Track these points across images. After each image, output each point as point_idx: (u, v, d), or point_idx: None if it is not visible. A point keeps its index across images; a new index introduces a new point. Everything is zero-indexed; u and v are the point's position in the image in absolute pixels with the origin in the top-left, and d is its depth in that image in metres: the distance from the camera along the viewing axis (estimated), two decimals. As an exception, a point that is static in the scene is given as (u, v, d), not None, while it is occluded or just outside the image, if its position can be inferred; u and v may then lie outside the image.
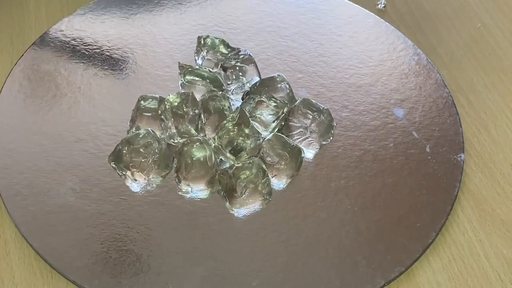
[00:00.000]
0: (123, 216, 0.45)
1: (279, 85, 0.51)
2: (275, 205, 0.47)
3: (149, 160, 0.46)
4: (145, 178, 0.47)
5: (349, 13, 0.61)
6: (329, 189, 0.48)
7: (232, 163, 0.47)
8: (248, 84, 0.52)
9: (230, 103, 0.51)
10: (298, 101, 0.50)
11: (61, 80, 0.54)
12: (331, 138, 0.51)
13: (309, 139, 0.50)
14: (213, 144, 0.47)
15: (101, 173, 0.47)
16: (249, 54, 0.53)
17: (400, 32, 0.59)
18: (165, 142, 0.48)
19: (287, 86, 0.52)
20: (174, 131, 0.48)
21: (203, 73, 0.51)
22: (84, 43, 0.56)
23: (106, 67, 0.55)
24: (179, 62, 0.52)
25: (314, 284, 0.43)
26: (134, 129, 0.49)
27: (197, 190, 0.47)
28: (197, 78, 0.51)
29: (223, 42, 0.54)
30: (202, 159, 0.46)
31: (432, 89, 0.55)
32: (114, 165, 0.47)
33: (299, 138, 0.50)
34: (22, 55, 0.55)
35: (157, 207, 0.46)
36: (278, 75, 0.52)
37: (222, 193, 0.46)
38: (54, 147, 0.49)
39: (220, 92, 0.50)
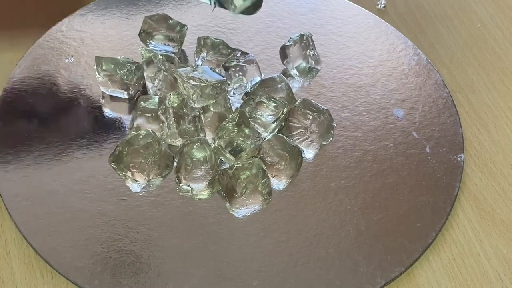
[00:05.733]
0: (124, 216, 0.45)
1: (279, 86, 0.51)
2: (275, 205, 0.47)
3: (149, 160, 0.46)
4: (145, 179, 0.47)
5: (349, 13, 0.61)
6: (329, 189, 0.48)
7: (232, 163, 0.47)
8: (249, 84, 0.52)
9: (230, 103, 0.51)
10: (298, 101, 0.50)
11: (61, 80, 0.54)
12: (331, 138, 0.51)
13: (309, 139, 0.50)
14: (213, 145, 0.47)
15: (102, 173, 0.48)
16: (251, 55, 0.53)
17: (400, 32, 0.59)
18: (165, 142, 0.48)
19: (287, 86, 0.52)
20: (174, 131, 0.48)
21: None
22: (84, 44, 0.57)
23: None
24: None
25: (314, 284, 0.43)
26: (134, 129, 0.49)
27: (197, 191, 0.47)
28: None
29: (223, 42, 0.54)
30: (202, 159, 0.46)
31: (432, 89, 0.55)
32: (114, 166, 0.47)
33: (299, 138, 0.50)
34: (23, 56, 0.55)
35: (157, 208, 0.46)
36: (278, 76, 0.52)
37: (222, 194, 0.46)
38: (54, 148, 0.49)
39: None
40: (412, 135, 0.52)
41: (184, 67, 0.50)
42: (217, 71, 0.49)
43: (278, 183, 0.48)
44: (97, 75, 0.52)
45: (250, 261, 0.44)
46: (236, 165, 0.46)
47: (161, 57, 0.51)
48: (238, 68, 0.52)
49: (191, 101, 0.47)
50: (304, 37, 0.54)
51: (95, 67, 0.52)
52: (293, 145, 0.48)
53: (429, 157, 0.50)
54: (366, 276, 0.43)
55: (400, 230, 0.46)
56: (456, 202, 0.48)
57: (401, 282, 0.45)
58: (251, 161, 0.46)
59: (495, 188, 0.50)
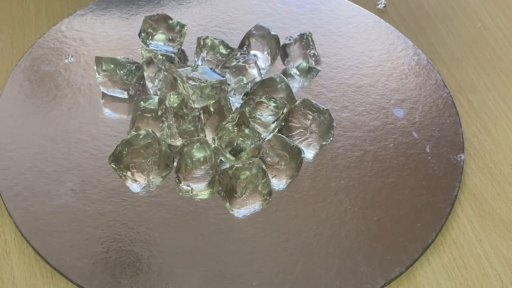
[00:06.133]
0: (123, 216, 0.45)
1: (279, 86, 0.51)
2: (275, 205, 0.47)
3: (149, 160, 0.46)
4: (145, 179, 0.47)
5: (349, 13, 0.61)
6: (329, 190, 0.48)
7: (232, 163, 0.47)
8: (249, 84, 0.52)
9: (230, 103, 0.51)
10: (298, 101, 0.50)
11: (61, 81, 0.54)
12: (331, 138, 0.51)
13: (309, 139, 0.50)
14: (213, 145, 0.47)
15: (101, 173, 0.48)
16: (251, 55, 0.53)
17: (400, 32, 0.60)
18: (165, 142, 0.48)
19: (287, 86, 0.52)
20: (174, 131, 0.48)
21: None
22: (84, 44, 0.57)
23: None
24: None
25: (314, 284, 0.43)
26: (134, 130, 0.49)
27: (197, 191, 0.47)
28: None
29: (222, 42, 0.54)
30: (202, 159, 0.46)
31: (432, 89, 0.55)
32: (114, 166, 0.47)
33: (299, 138, 0.50)
34: (23, 56, 0.55)
35: (157, 208, 0.46)
36: (278, 76, 0.52)
37: (222, 194, 0.46)
38: (55, 148, 0.49)
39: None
40: (412, 135, 0.52)
41: (184, 67, 0.50)
42: (217, 71, 0.49)
43: (278, 183, 0.48)
44: (97, 75, 0.52)
45: (250, 261, 0.44)
46: (236, 165, 0.46)
47: (161, 57, 0.51)
48: (238, 68, 0.52)
49: (191, 101, 0.47)
50: (304, 36, 0.54)
51: (95, 67, 0.52)
52: (293, 145, 0.48)
53: (429, 157, 0.50)
54: (366, 276, 0.43)
55: (400, 230, 0.46)
56: (456, 202, 0.48)
57: (401, 282, 0.45)
58: (251, 161, 0.46)
59: (495, 188, 0.50)
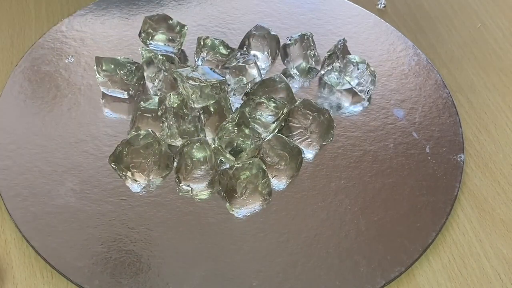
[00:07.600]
0: (124, 216, 0.45)
1: (279, 86, 0.51)
2: (275, 205, 0.47)
3: (149, 161, 0.46)
4: (145, 179, 0.47)
5: (349, 13, 0.61)
6: (329, 190, 0.48)
7: (232, 163, 0.47)
8: (249, 84, 0.52)
9: (230, 103, 0.51)
10: (298, 101, 0.50)
11: (61, 81, 0.54)
12: (331, 138, 0.51)
13: (309, 139, 0.50)
14: (213, 145, 0.47)
15: (101, 173, 0.48)
16: (250, 55, 0.53)
17: (400, 32, 0.59)
18: (165, 142, 0.48)
19: (287, 86, 0.52)
20: (174, 131, 0.48)
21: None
22: (84, 44, 0.57)
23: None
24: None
25: (314, 284, 0.43)
26: (134, 130, 0.49)
27: (197, 191, 0.47)
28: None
29: (222, 43, 0.54)
30: (202, 159, 0.46)
31: (432, 90, 0.55)
32: (114, 166, 0.47)
33: (299, 138, 0.50)
34: (23, 56, 0.55)
35: (158, 208, 0.46)
36: (278, 76, 0.52)
37: (222, 194, 0.46)
38: (55, 148, 0.49)
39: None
40: (412, 135, 0.52)
41: (184, 67, 0.50)
42: (217, 71, 0.49)
43: (278, 183, 0.48)
44: (97, 75, 0.52)
45: (250, 261, 0.44)
46: (236, 165, 0.46)
47: (161, 57, 0.51)
48: (238, 68, 0.52)
49: (190, 101, 0.47)
50: (305, 37, 0.54)
51: (95, 67, 0.52)
52: (293, 145, 0.48)
53: (429, 157, 0.50)
54: (366, 276, 0.43)
55: (400, 230, 0.46)
56: (456, 202, 0.48)
57: (401, 282, 0.45)
58: (251, 161, 0.46)
59: (495, 188, 0.50)
